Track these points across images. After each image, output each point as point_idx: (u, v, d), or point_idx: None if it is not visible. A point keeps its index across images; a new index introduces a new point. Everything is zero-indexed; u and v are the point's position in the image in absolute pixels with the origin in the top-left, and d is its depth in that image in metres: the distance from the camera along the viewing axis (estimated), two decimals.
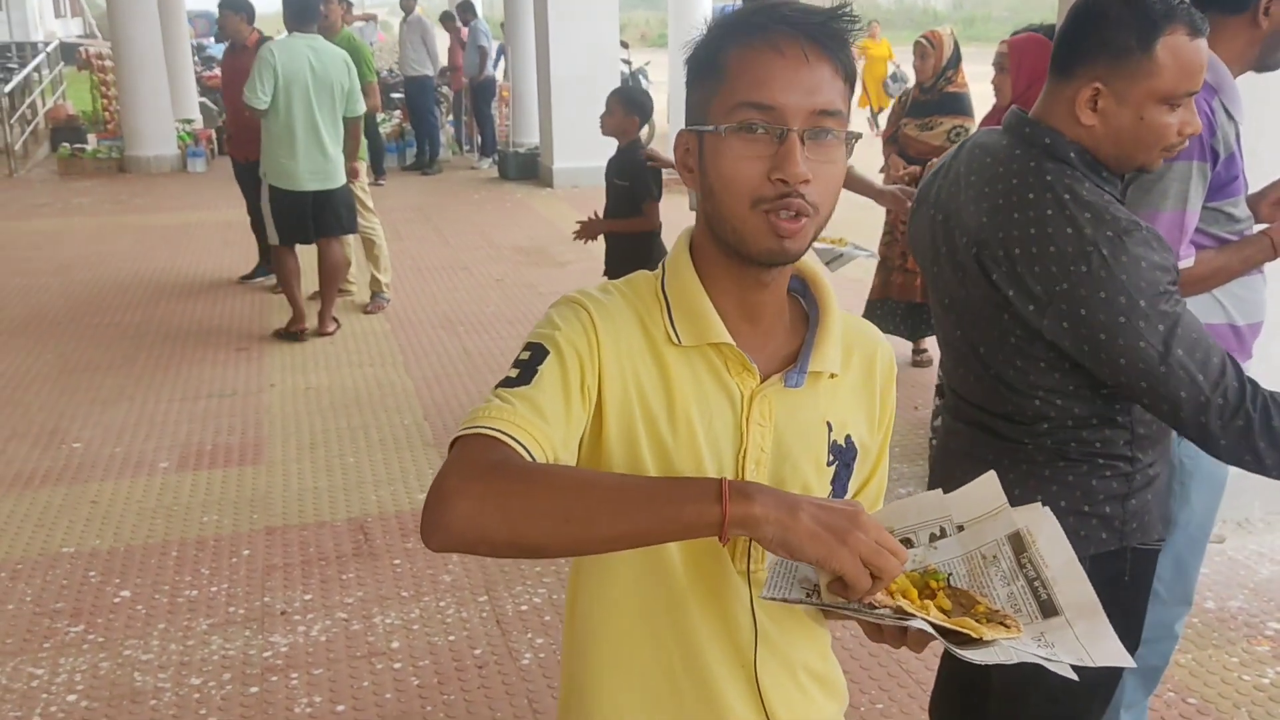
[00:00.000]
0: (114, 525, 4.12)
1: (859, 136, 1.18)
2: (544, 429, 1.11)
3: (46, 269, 8.33)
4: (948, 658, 2.32)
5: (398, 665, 3.20)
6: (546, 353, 1.16)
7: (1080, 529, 1.78)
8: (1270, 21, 2.24)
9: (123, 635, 3.37)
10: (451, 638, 3.34)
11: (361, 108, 6.36)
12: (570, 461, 1.16)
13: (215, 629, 3.40)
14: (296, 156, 6.07)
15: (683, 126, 1.21)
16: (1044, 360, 1.72)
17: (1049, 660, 1.07)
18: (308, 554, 3.88)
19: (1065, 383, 1.73)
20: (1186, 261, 2.16)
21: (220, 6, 7.30)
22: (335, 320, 6.76)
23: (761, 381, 1.22)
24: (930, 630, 1.04)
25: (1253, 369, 2.43)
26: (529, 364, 1.15)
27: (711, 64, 1.16)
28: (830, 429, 1.27)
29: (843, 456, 1.28)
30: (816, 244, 1.20)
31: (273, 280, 7.34)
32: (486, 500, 1.02)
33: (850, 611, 1.07)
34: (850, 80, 1.16)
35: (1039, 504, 1.20)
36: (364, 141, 7.02)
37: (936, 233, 1.86)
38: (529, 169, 12.48)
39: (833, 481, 1.28)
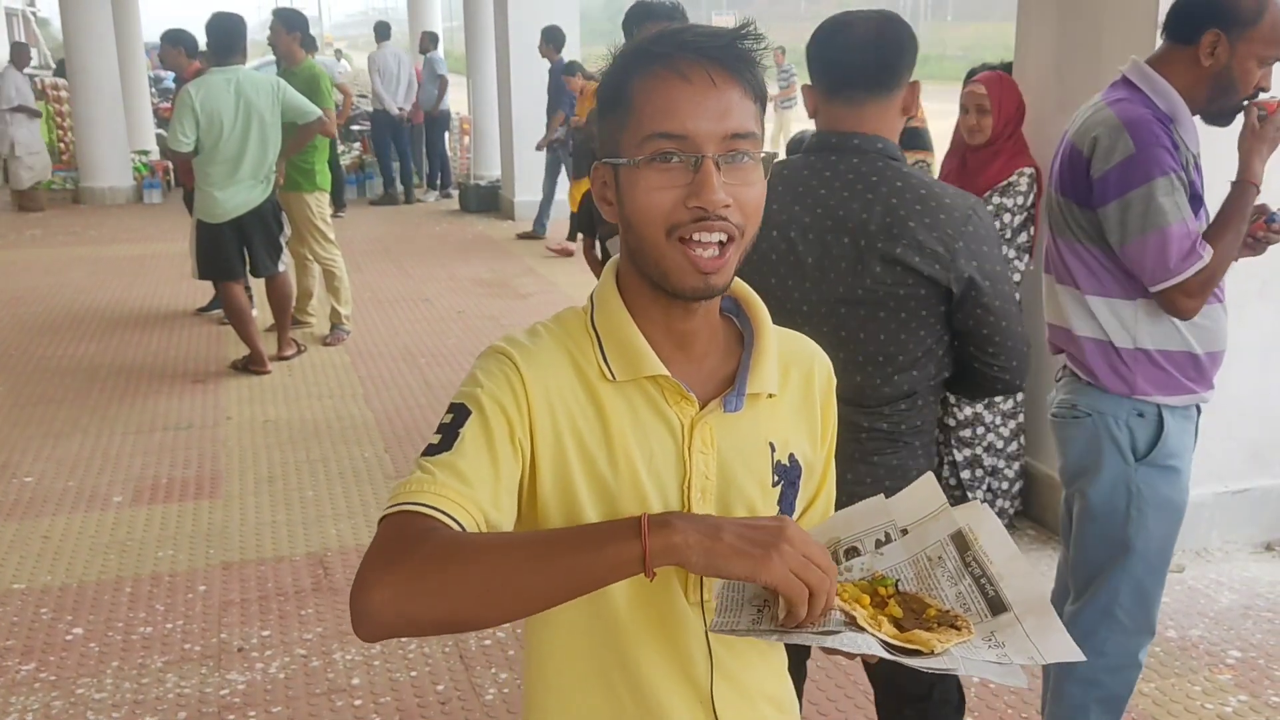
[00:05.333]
0: (66, 561, 4.03)
1: (775, 156, 1.19)
2: (467, 493, 1.09)
3: None
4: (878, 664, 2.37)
5: (358, 702, 3.15)
6: (468, 413, 1.14)
7: None
8: (1214, 63, 2.28)
9: (75, 674, 3.29)
10: (413, 674, 3.29)
11: (307, 117, 6.27)
12: (507, 518, 1.14)
13: (170, 667, 3.33)
14: (222, 191, 6.01)
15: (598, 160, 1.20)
16: (925, 328, 1.97)
17: (1001, 664, 1.07)
18: (266, 589, 3.82)
19: (937, 349, 2.00)
20: (1207, 252, 2.24)
21: (161, 39, 7.30)
22: (295, 343, 6.74)
23: (701, 408, 1.21)
24: (881, 652, 1.04)
25: (1214, 397, 2.46)
26: (450, 428, 1.14)
27: (618, 95, 1.15)
28: (773, 449, 1.26)
29: (787, 475, 1.28)
30: None
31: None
32: (404, 584, 1.00)
33: (800, 635, 1.05)
34: (761, 100, 1.16)
35: (977, 502, 1.22)
36: (327, 174, 6.99)
37: (789, 247, 2.00)
38: (490, 202, 12.47)
39: (779, 501, 1.27)
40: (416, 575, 1.00)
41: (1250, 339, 3.78)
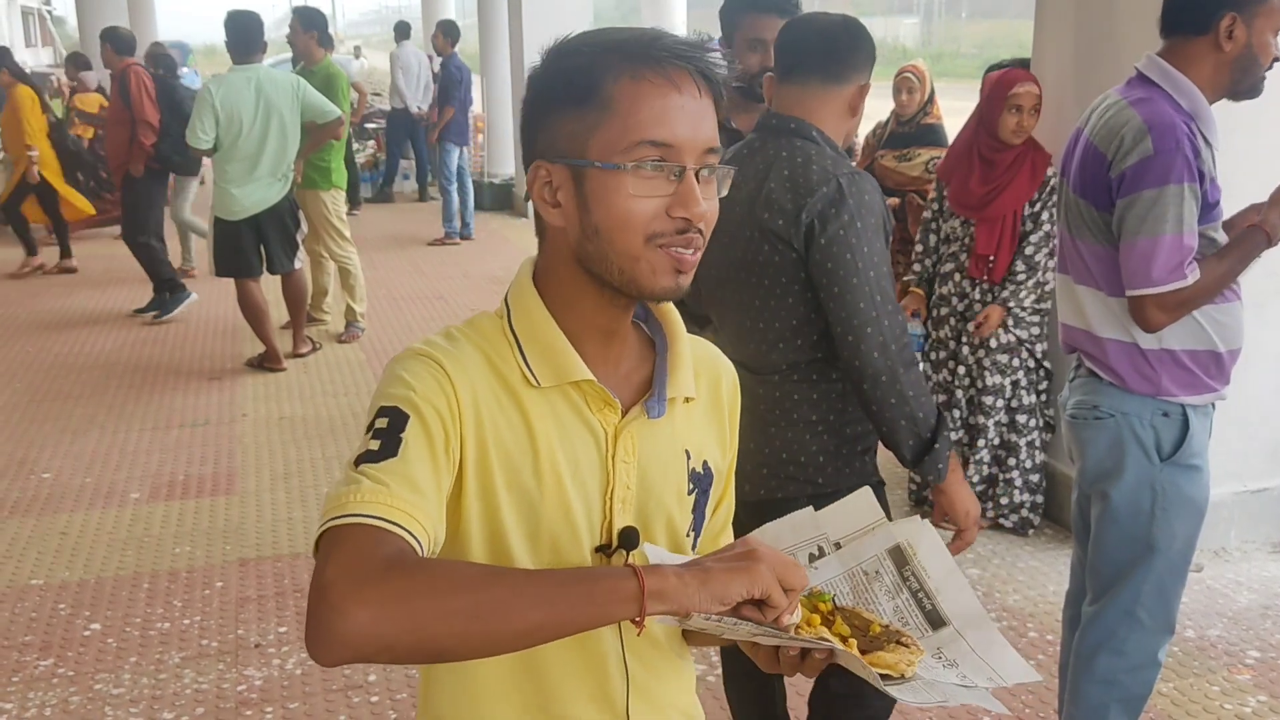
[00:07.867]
0: (84, 557, 4.05)
1: (732, 170, 1.19)
2: (421, 506, 1.03)
3: (15, 297, 8.23)
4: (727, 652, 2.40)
5: (375, 698, 3.15)
6: (406, 417, 1.07)
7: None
8: (1234, 45, 2.27)
9: (93, 669, 3.30)
10: None
11: (327, 116, 6.29)
12: (444, 530, 1.09)
13: (188, 662, 3.34)
14: (240, 189, 6.03)
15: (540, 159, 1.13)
16: (794, 297, 2.09)
17: (967, 687, 1.08)
18: (282, 586, 3.83)
19: (807, 325, 2.10)
20: (1193, 274, 2.21)
21: (100, 36, 7.48)
22: (310, 340, 6.76)
23: (623, 415, 1.18)
24: (866, 671, 1.04)
25: (1229, 395, 2.45)
26: (389, 432, 1.06)
27: (594, 93, 1.09)
28: (689, 457, 1.24)
29: (701, 483, 1.26)
30: None
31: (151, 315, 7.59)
32: (386, 606, 0.92)
33: (771, 635, 1.05)
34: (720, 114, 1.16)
35: (916, 517, 1.22)
36: (344, 172, 7.00)
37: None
38: (503, 199, 12.47)
39: (693, 510, 1.25)
40: (402, 598, 0.93)
41: (1269, 339, 3.76)
